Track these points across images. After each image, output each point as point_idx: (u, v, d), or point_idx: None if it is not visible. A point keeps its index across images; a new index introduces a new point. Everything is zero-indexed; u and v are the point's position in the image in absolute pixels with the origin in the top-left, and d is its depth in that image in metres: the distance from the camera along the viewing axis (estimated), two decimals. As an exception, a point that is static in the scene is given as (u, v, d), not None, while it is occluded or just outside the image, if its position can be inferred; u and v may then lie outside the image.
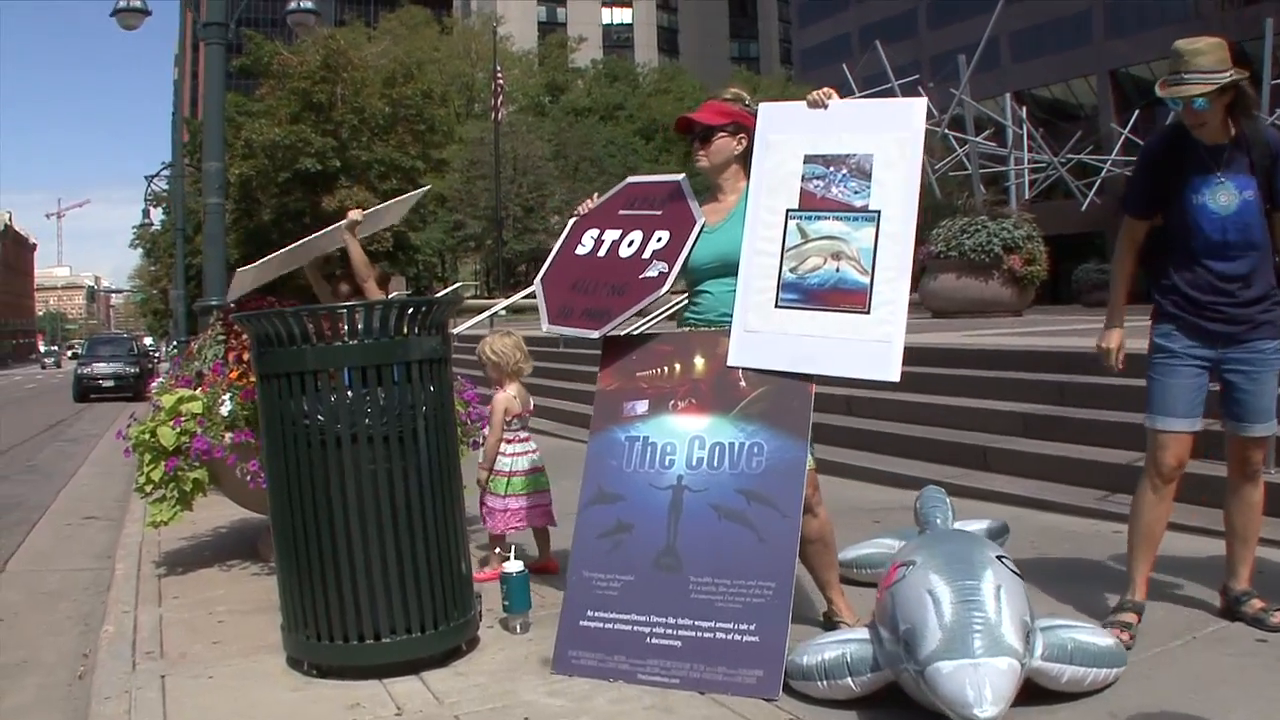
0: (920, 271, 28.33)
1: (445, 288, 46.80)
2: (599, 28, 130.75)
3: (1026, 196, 35.30)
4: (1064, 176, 38.52)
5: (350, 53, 45.83)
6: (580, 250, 5.53)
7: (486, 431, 6.89)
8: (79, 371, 39.37)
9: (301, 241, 7.89)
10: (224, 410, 6.83)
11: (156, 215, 51.46)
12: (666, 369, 5.15)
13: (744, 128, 5.22)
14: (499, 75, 50.61)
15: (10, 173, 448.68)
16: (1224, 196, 4.97)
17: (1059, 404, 9.77)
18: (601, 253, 5.44)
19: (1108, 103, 59.91)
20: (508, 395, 6.73)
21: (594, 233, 5.54)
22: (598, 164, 67.79)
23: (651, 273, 5.20)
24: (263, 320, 4.73)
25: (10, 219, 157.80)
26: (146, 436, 6.95)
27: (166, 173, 43.25)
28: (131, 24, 16.60)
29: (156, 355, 53.10)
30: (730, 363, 4.99)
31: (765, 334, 4.96)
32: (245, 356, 7.06)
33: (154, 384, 7.84)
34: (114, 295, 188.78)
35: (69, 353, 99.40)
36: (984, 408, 10.22)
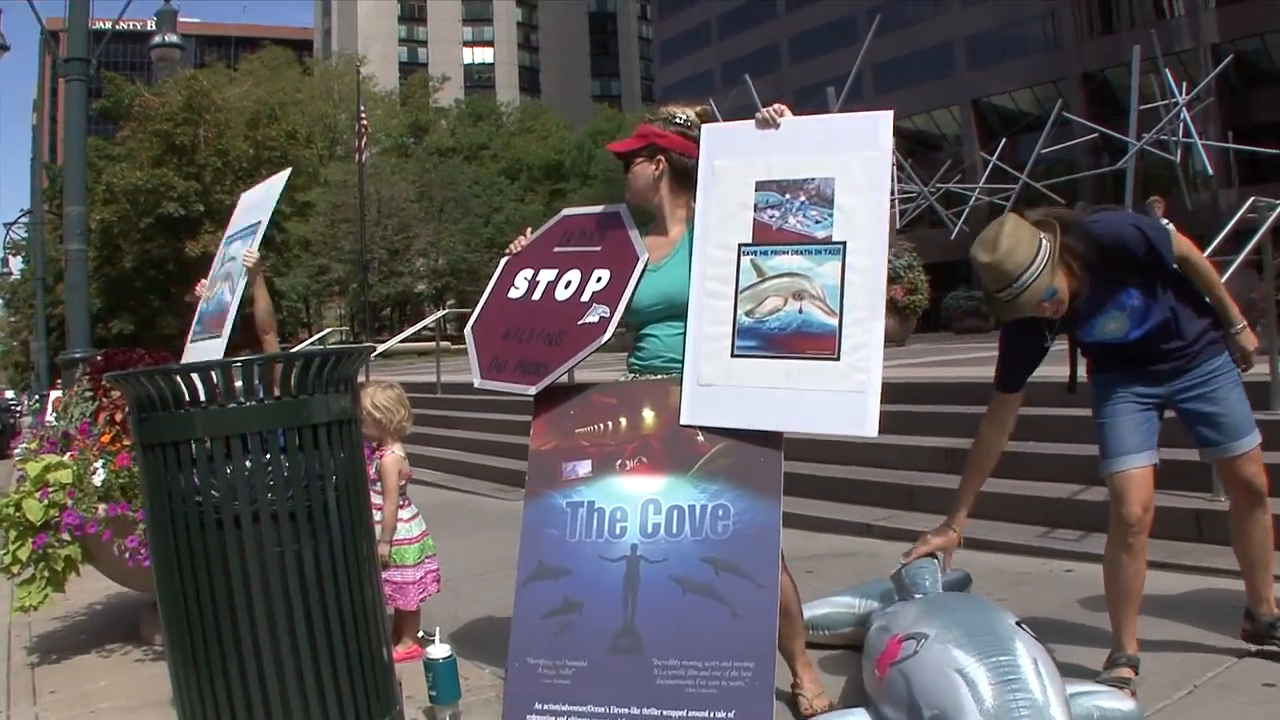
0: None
1: (311, 335, 45.95)
2: (460, 67, 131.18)
3: (898, 226, 35.65)
4: (934, 205, 38.87)
5: (213, 94, 45.01)
6: (513, 294, 5.01)
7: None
8: (-65, 429, 37.54)
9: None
10: (97, 480, 6.11)
11: (16, 264, 49.96)
12: (610, 424, 4.58)
13: (661, 150, 4.69)
14: (363, 115, 49.73)
15: None
16: (1112, 324, 4.69)
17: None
18: (536, 296, 4.92)
19: (971, 132, 61.48)
20: (397, 457, 6.00)
21: (528, 273, 5.01)
22: (463, 204, 67.41)
23: (591, 318, 4.67)
24: (140, 380, 4.02)
25: None
26: (11, 510, 6.19)
27: (25, 220, 42.02)
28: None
29: (18, 409, 51.52)
30: (683, 421, 4.45)
31: (721, 387, 4.41)
32: (118, 417, 6.38)
33: (17, 447, 7.06)
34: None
35: None
36: (903, 444, 9.75)
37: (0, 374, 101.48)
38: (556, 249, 5.00)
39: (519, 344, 4.82)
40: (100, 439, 6.38)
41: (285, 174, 6.55)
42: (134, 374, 4.05)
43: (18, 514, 6.16)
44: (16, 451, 7.00)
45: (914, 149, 48.50)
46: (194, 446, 3.97)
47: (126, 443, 6.16)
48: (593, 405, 4.64)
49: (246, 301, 6.70)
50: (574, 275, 4.83)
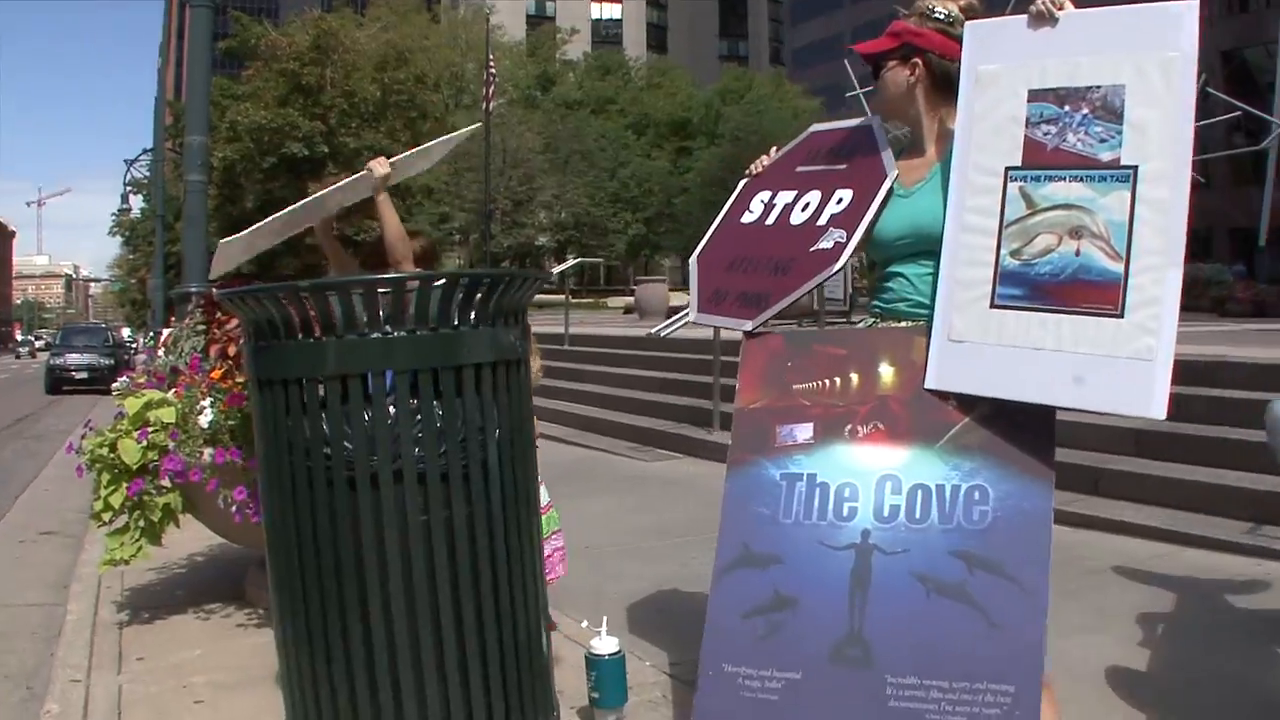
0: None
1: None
2: (588, 22, 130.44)
3: None
4: None
5: (341, 35, 44.56)
6: (746, 218, 4.25)
7: None
8: (51, 362, 38.25)
9: (310, 198, 5.87)
10: (203, 420, 5.38)
11: (136, 202, 50.20)
12: (838, 380, 3.73)
13: (918, 50, 3.82)
14: (491, 64, 49.08)
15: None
16: None
17: (1176, 419, 8.38)
18: (770, 220, 4.16)
19: None
20: None
21: (765, 196, 4.24)
22: (589, 158, 66.75)
23: (825, 243, 3.86)
24: (261, 301, 3.25)
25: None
26: (105, 451, 5.51)
27: (146, 158, 42.04)
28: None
29: (134, 346, 51.95)
30: (929, 384, 3.59)
31: (976, 345, 3.53)
32: (231, 351, 5.66)
33: (117, 382, 6.38)
34: (93, 284, 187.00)
35: (38, 343, 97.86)
36: (1092, 421, 8.72)
37: (117, 311, 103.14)
38: (800, 168, 4.22)
39: (744, 274, 4.10)
40: (210, 375, 5.66)
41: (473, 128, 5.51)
42: (250, 292, 3.29)
43: (112, 455, 5.50)
44: (116, 385, 6.28)
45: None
46: (323, 386, 3.19)
47: (240, 380, 5.44)
48: (817, 356, 3.80)
49: (365, 228, 5.79)
50: (813, 196, 4.06)
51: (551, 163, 63.45)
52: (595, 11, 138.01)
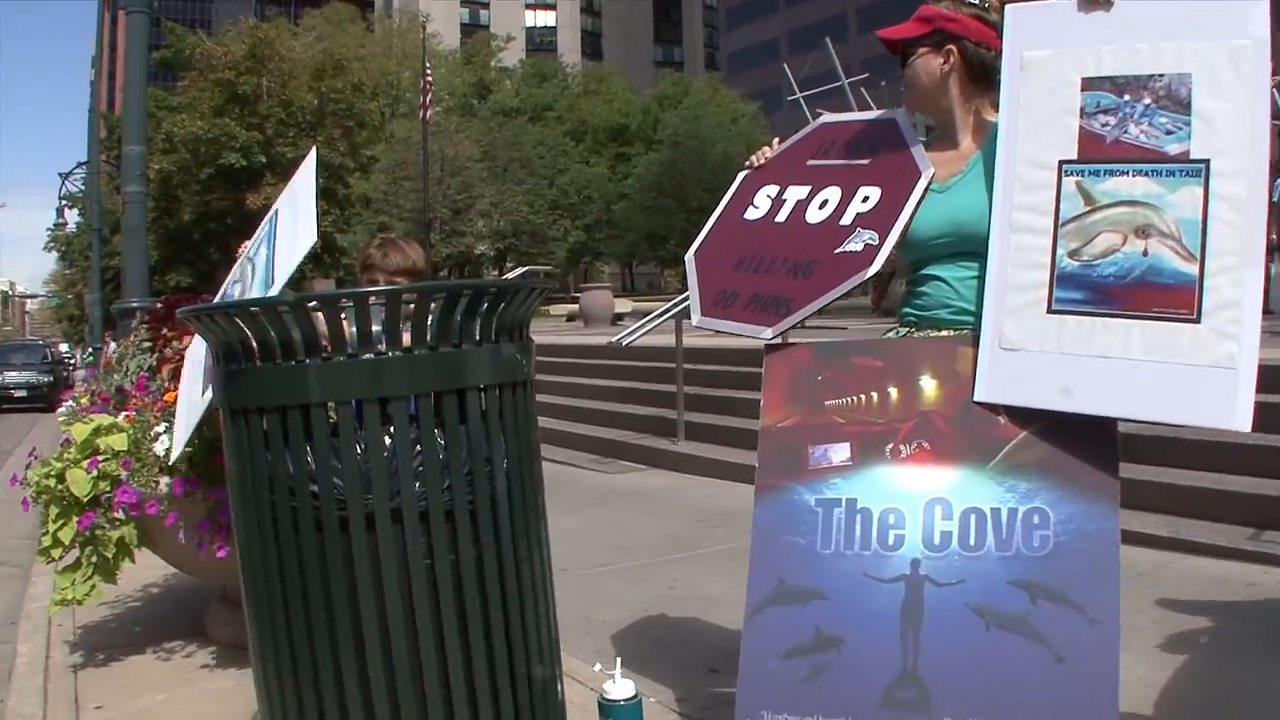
0: (890, 275, 27.15)
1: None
2: (522, 30, 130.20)
3: None
4: None
5: (277, 44, 44.07)
6: (751, 214, 3.88)
7: None
8: (-12, 381, 37.00)
9: None
10: (159, 448, 4.94)
11: (72, 216, 49.47)
12: (876, 395, 3.39)
13: (952, 37, 3.49)
14: (428, 72, 48.63)
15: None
16: None
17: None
18: (781, 217, 3.79)
19: None
20: None
21: (771, 190, 3.88)
22: (527, 165, 66.35)
23: (854, 245, 3.48)
24: (233, 319, 2.86)
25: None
26: (52, 483, 5.03)
27: (81, 171, 41.39)
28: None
29: (72, 363, 51.11)
30: (979, 397, 3.26)
31: (1032, 353, 3.20)
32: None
33: (61, 405, 5.93)
34: (29, 301, 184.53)
35: None
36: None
37: (55, 327, 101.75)
38: (811, 161, 3.86)
39: (754, 275, 3.72)
40: (163, 398, 5.23)
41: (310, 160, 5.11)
42: (220, 309, 2.89)
43: (60, 487, 5.02)
44: (61, 410, 5.84)
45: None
46: (308, 415, 2.79)
47: (194, 401, 5.04)
48: (851, 368, 3.46)
49: None
50: (832, 193, 3.70)
51: (490, 171, 62.99)
52: (529, 19, 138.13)
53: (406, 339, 2.80)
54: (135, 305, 10.49)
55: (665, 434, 11.90)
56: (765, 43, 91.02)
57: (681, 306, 12.80)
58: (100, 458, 4.99)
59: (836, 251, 3.52)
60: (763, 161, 4.00)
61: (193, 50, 45.00)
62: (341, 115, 45.00)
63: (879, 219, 3.48)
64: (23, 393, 36.03)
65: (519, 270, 27.19)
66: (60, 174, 42.67)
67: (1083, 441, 3.13)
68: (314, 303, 2.75)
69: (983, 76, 3.51)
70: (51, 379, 36.97)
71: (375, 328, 2.77)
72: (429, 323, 2.80)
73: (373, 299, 2.81)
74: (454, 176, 60.00)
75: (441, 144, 58.38)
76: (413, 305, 2.79)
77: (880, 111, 3.84)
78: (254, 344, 2.81)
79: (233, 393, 2.92)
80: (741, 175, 4.04)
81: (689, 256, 3.99)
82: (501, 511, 2.94)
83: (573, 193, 69.06)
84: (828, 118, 4.02)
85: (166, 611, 6.22)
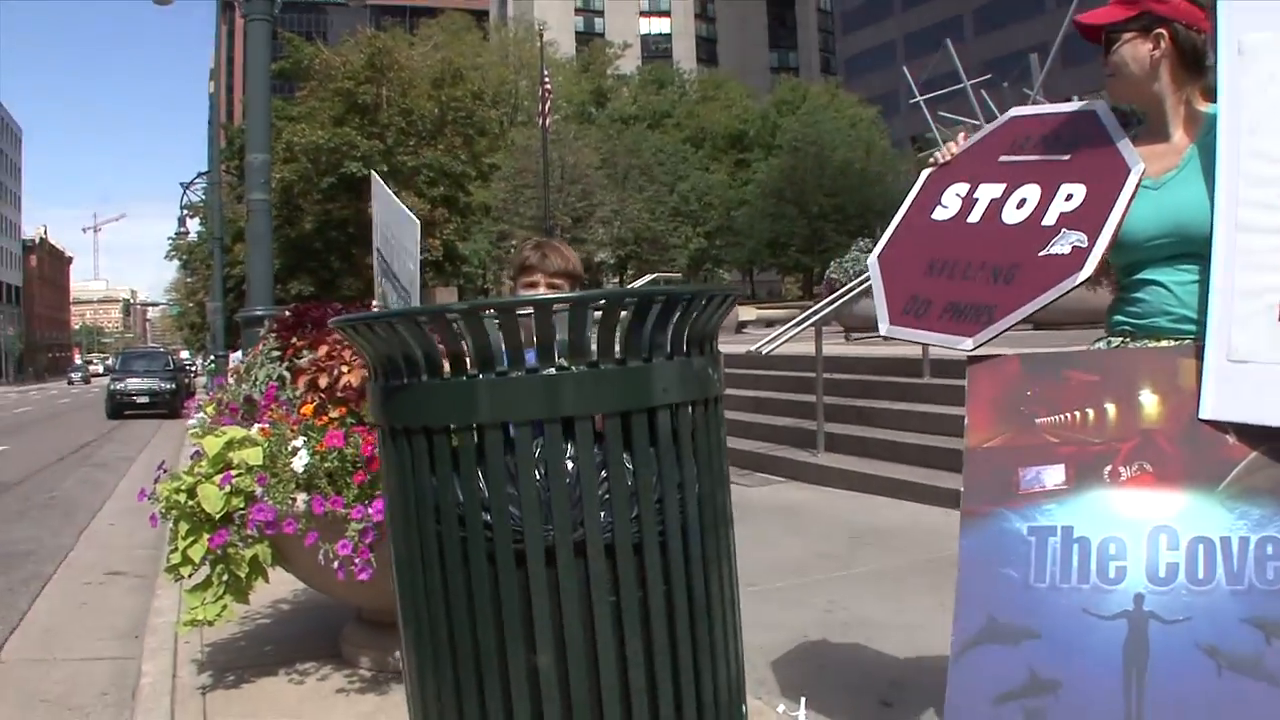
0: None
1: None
2: (637, 37, 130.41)
3: None
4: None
5: (396, 53, 44.23)
6: (940, 214, 3.61)
7: None
8: (112, 387, 37.74)
9: None
10: (297, 464, 4.68)
11: (193, 225, 50.09)
12: (1092, 412, 3.09)
13: (1163, 19, 3.19)
14: (546, 80, 48.68)
15: (47, 187, 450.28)
16: None
17: None
18: (973, 218, 3.52)
19: None
20: None
21: (960, 188, 3.61)
22: (647, 172, 66.19)
23: (1059, 248, 3.21)
24: (395, 329, 2.60)
25: (46, 233, 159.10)
26: (183, 498, 4.78)
27: (201, 182, 41.94)
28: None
29: (193, 370, 51.69)
30: (1205, 414, 2.95)
31: (1265, 366, 2.89)
32: (323, 382, 4.98)
33: (191, 416, 5.74)
34: (150, 309, 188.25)
35: (94, 367, 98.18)
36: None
37: (175, 335, 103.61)
38: (1004, 158, 3.59)
39: (949, 280, 3.45)
40: (300, 410, 4.99)
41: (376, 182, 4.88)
42: (379, 318, 2.63)
43: (191, 503, 4.77)
44: (191, 422, 5.64)
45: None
46: (481, 435, 2.53)
47: (334, 415, 4.79)
48: (1064, 383, 3.16)
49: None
50: (1030, 191, 3.42)
51: (610, 178, 62.99)
52: (644, 26, 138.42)
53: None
54: (260, 313, 10.48)
55: (805, 445, 11.55)
56: (882, 46, 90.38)
57: (825, 313, 12.50)
58: (234, 472, 4.76)
59: (1041, 254, 3.25)
60: (949, 158, 3.73)
61: (311, 60, 45.36)
62: (462, 123, 45.07)
63: (1087, 218, 3.20)
64: (145, 399, 36.42)
65: (647, 278, 26.76)
66: (181, 184, 43.33)
67: (1321, 463, 2.82)
68: (490, 310, 2.48)
69: (1194, 62, 3.23)
70: (174, 386, 37.35)
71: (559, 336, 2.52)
72: (617, 334, 2.53)
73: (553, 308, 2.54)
74: (574, 184, 60.09)
75: (561, 152, 58.51)
76: (598, 314, 2.51)
77: (1079, 103, 3.57)
78: (418, 357, 2.55)
79: (393, 411, 2.66)
80: (926, 173, 3.78)
81: (872, 260, 3.72)
82: (693, 544, 2.66)
83: (693, 199, 68.86)
84: (1018, 111, 3.74)
85: (299, 631, 5.99)
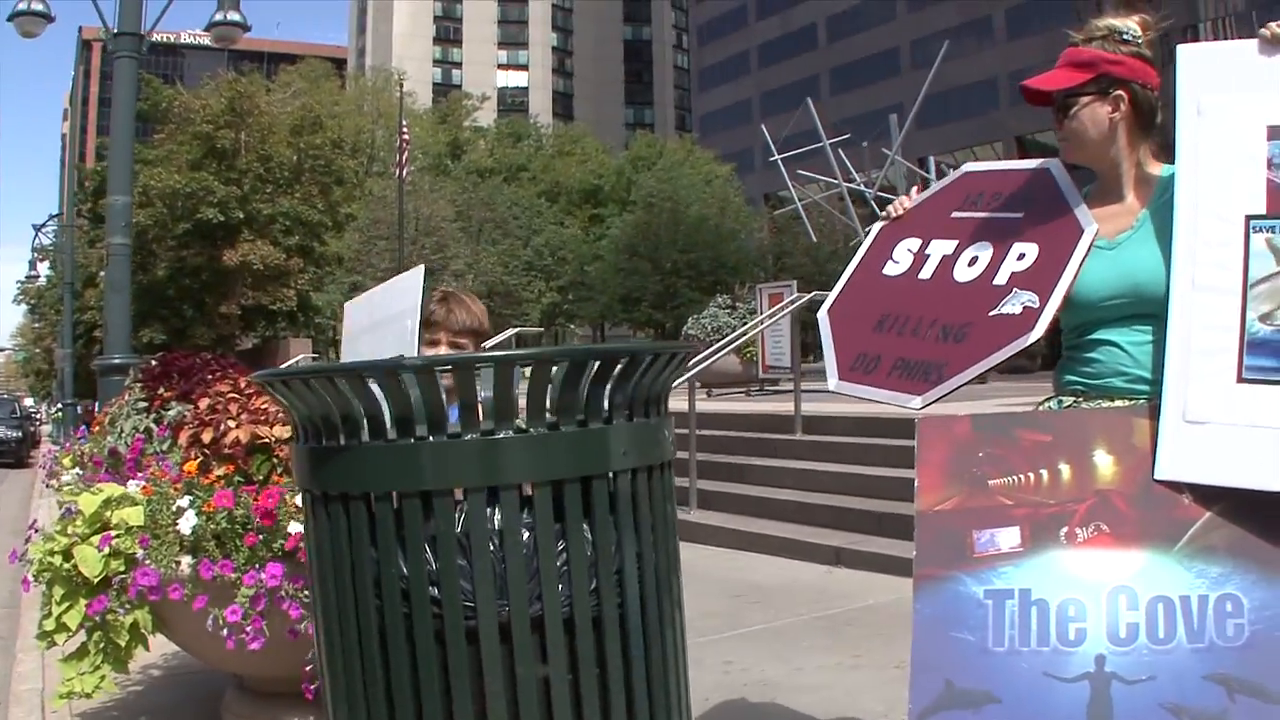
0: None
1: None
2: (494, 90, 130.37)
3: None
4: None
5: (257, 97, 43.63)
6: (891, 269, 3.58)
7: None
8: (-44, 434, 36.12)
9: None
10: (185, 527, 4.41)
11: (44, 269, 48.84)
12: (1045, 473, 3.02)
13: (1118, 80, 3.18)
14: (404, 129, 48.32)
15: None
16: None
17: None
18: (925, 274, 3.49)
19: None
20: None
21: (912, 244, 3.59)
22: (502, 225, 65.92)
23: (1010, 307, 3.20)
24: (333, 383, 2.43)
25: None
26: (57, 560, 4.51)
27: (53, 224, 40.94)
28: (30, 30, 14.31)
29: (39, 418, 50.28)
30: (1160, 474, 2.92)
31: (1220, 427, 2.88)
32: (206, 437, 4.75)
33: (41, 466, 5.47)
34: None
35: None
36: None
37: (20, 382, 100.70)
38: (956, 214, 3.56)
39: (899, 337, 3.42)
40: (185, 467, 4.74)
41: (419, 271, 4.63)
42: (315, 372, 2.47)
43: (67, 566, 4.50)
44: (65, 480, 5.36)
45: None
46: (428, 503, 2.38)
47: (220, 473, 4.58)
48: (1016, 443, 3.09)
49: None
50: (982, 250, 3.40)
51: (464, 231, 62.63)
52: (501, 79, 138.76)
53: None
54: (119, 361, 10.21)
55: (678, 502, 11.40)
56: (738, 104, 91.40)
57: (698, 370, 12.44)
58: (113, 533, 4.50)
59: (992, 314, 3.22)
60: (900, 213, 3.69)
61: (170, 103, 44.59)
62: (320, 171, 44.59)
63: (1038, 279, 3.18)
64: (-10, 447, 35.10)
65: (507, 333, 26.59)
66: (34, 226, 42.24)
67: (1276, 521, 2.82)
68: (443, 367, 2.33)
69: (1149, 122, 3.23)
70: (20, 434, 36.25)
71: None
72: (577, 394, 2.40)
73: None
74: (429, 236, 59.59)
75: (416, 203, 58.04)
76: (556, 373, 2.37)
77: (1033, 161, 3.54)
78: (358, 416, 2.38)
79: (327, 476, 2.48)
80: (877, 227, 3.75)
81: (821, 314, 3.68)
82: (651, 617, 2.54)
83: (547, 254, 68.69)
84: (971, 167, 3.73)
85: (174, 699, 5.69)
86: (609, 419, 2.46)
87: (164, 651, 6.06)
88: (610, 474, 2.45)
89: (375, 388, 2.34)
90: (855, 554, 8.62)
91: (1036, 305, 3.13)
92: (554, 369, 2.37)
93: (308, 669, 4.25)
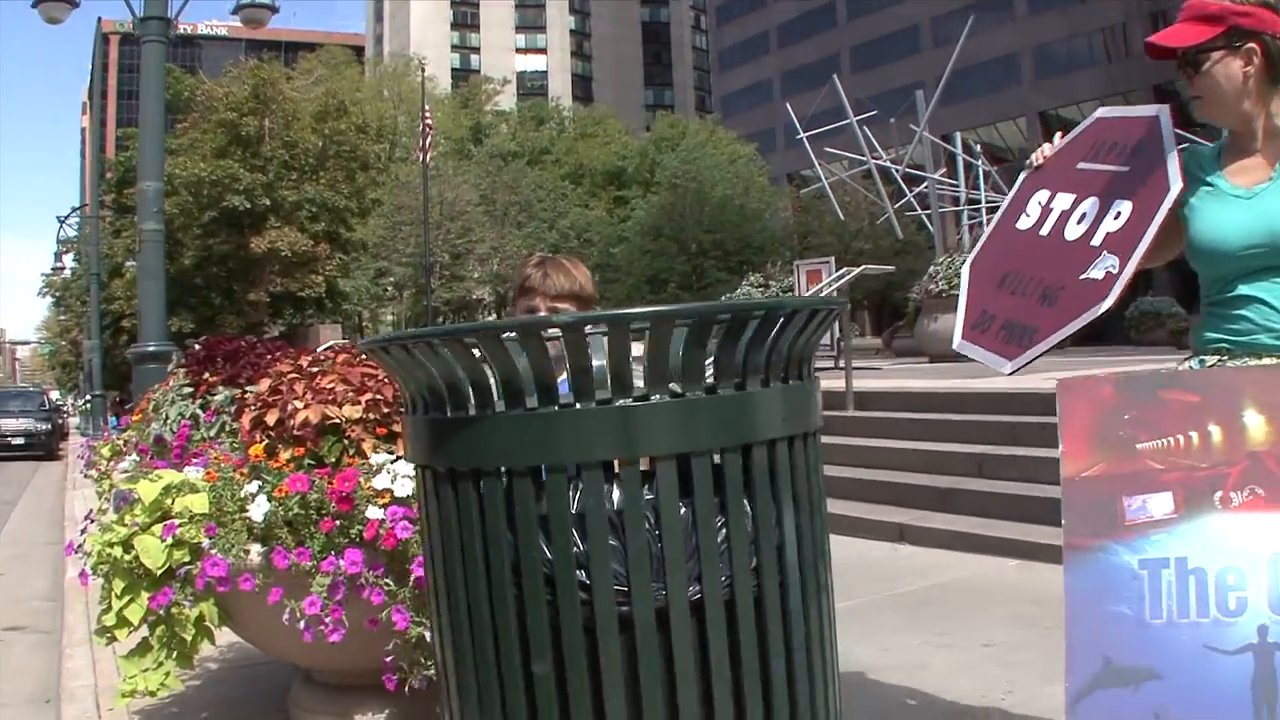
0: (915, 312, 26.81)
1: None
2: (513, 74, 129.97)
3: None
4: None
5: (281, 83, 43.43)
6: (1022, 223, 3.51)
7: None
8: (-14, 428, 36.14)
9: None
10: (256, 513, 4.14)
11: (69, 260, 48.76)
12: (1196, 435, 2.85)
13: (1248, 33, 3.01)
14: (427, 114, 48.13)
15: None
16: None
17: None
18: (1045, 229, 3.43)
19: (1038, 144, 61.54)
20: None
21: (1042, 196, 3.51)
22: (526, 208, 65.79)
23: (1097, 272, 3.15)
24: (462, 344, 2.21)
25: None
26: (117, 551, 4.21)
27: (77, 217, 40.85)
28: (55, 16, 14.20)
29: (65, 411, 50.25)
30: None
31: None
32: (270, 419, 4.54)
33: (86, 460, 5.28)
34: (20, 347, 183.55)
35: None
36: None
37: (46, 375, 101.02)
38: (1082, 165, 3.45)
39: (1013, 296, 3.40)
40: (251, 451, 4.51)
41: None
42: (443, 334, 2.24)
43: (128, 558, 4.20)
44: (123, 466, 5.16)
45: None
46: (580, 477, 2.18)
47: (288, 456, 4.37)
48: (1163, 405, 2.92)
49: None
50: (1091, 206, 3.33)
51: (489, 214, 62.50)
52: (520, 64, 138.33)
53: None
54: (154, 349, 10.04)
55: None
56: (758, 84, 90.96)
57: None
58: (177, 522, 4.28)
59: (1082, 277, 3.17)
60: (1040, 162, 3.60)
61: (192, 92, 44.48)
62: (345, 157, 44.38)
63: (1124, 242, 3.11)
64: (20, 440, 35.00)
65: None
66: (58, 217, 42.16)
67: None
68: (593, 325, 2.12)
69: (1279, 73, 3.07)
70: (49, 427, 36.18)
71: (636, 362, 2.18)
72: (735, 354, 2.20)
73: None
74: (453, 221, 59.47)
75: (440, 188, 57.90)
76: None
77: (1151, 108, 3.39)
78: (486, 382, 2.19)
79: (453, 450, 2.27)
80: (1022, 176, 3.66)
81: (964, 267, 3.65)
82: (810, 593, 2.34)
83: (572, 236, 68.53)
84: (1103, 112, 3.59)
85: (237, 694, 5.39)
86: (765, 381, 2.26)
87: (220, 644, 5.87)
88: (769, 443, 2.26)
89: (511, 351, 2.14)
90: (920, 531, 8.42)
91: (1116, 270, 3.06)
92: (714, 328, 2.17)
93: (388, 659, 4.05)
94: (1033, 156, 3.64)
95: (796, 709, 2.26)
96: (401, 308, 62.56)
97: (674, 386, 2.16)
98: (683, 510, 2.13)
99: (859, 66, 75.24)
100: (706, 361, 2.20)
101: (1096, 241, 3.21)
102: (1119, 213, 3.20)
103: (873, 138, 41.09)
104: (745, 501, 2.19)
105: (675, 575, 2.11)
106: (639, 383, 2.14)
